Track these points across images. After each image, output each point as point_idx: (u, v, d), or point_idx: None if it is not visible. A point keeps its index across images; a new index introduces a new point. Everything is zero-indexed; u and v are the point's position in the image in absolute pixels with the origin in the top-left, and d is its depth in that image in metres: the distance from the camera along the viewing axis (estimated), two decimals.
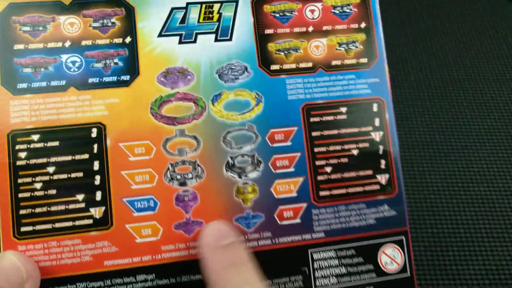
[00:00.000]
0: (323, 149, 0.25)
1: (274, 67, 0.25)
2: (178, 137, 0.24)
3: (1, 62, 0.23)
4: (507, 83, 0.55)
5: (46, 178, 0.23)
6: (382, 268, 0.24)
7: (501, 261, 0.43)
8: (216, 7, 0.25)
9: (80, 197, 0.23)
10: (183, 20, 0.25)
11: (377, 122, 0.25)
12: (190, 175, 0.24)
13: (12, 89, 0.23)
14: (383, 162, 0.25)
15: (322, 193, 0.25)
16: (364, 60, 0.26)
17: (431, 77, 0.55)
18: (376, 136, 0.25)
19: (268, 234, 0.24)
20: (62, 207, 0.23)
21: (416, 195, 0.46)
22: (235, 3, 0.25)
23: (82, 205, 0.23)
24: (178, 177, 0.24)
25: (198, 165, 0.24)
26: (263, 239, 0.24)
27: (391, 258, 0.25)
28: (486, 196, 0.46)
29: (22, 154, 0.23)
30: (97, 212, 0.23)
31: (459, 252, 0.43)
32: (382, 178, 0.25)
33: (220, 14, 0.25)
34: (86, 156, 0.23)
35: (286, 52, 0.25)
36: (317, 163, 0.25)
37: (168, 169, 0.24)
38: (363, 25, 0.26)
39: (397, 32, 0.58)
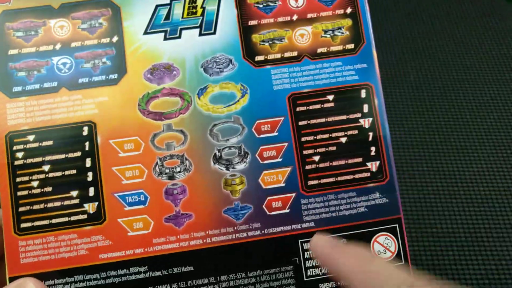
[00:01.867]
0: (310, 138, 0.25)
1: (258, 58, 0.25)
2: (165, 132, 0.24)
3: None
4: (506, 83, 0.54)
5: (42, 176, 0.24)
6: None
7: (500, 261, 0.42)
8: (199, 1, 0.26)
9: (74, 193, 0.24)
10: (167, 17, 0.25)
11: (365, 108, 0.25)
12: (178, 169, 0.24)
13: (8, 93, 0.24)
14: (373, 149, 0.25)
15: (310, 182, 0.24)
16: (350, 46, 0.25)
17: (430, 77, 0.55)
18: (365, 122, 0.25)
19: (257, 225, 0.24)
20: (58, 204, 0.24)
21: (415, 195, 0.45)
22: None
23: (77, 201, 0.24)
24: (167, 171, 0.24)
25: (186, 158, 0.24)
26: (252, 230, 0.24)
27: (384, 246, 0.24)
28: (485, 196, 0.46)
29: (19, 154, 0.24)
30: (90, 207, 0.24)
31: (459, 252, 0.42)
32: (373, 165, 0.25)
33: (203, 8, 0.25)
34: (78, 154, 0.24)
35: (270, 42, 0.25)
36: (305, 152, 0.24)
37: (157, 163, 0.24)
38: (348, 10, 0.26)
39: (396, 33, 0.58)
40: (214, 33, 0.25)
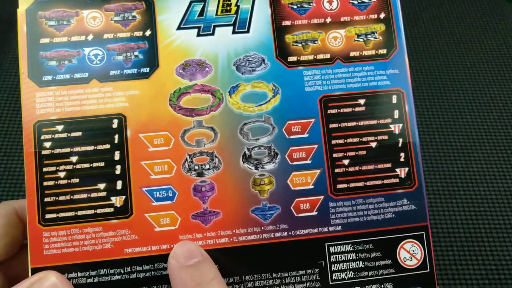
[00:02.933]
0: (340, 141, 0.25)
1: (291, 58, 0.25)
2: (196, 128, 0.24)
3: (28, 55, 0.24)
4: (506, 84, 0.54)
5: (70, 167, 0.24)
6: (401, 263, 0.24)
7: (500, 261, 0.42)
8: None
9: (101, 186, 0.24)
10: (201, 13, 0.25)
11: (396, 114, 0.25)
12: (207, 166, 0.24)
13: (38, 81, 0.24)
14: (402, 155, 0.25)
15: (339, 186, 0.24)
16: (383, 51, 0.25)
17: (430, 78, 0.55)
18: (396, 128, 0.25)
19: (285, 226, 0.24)
20: (84, 196, 0.24)
21: None
22: None
23: (104, 194, 0.24)
24: (196, 167, 0.24)
25: (216, 156, 0.24)
26: (279, 231, 0.24)
27: (410, 253, 0.24)
28: (485, 196, 0.46)
29: (47, 144, 0.24)
30: (117, 201, 0.24)
31: (459, 252, 0.42)
32: (402, 171, 0.25)
33: (238, 6, 0.25)
34: (107, 146, 0.24)
35: (303, 43, 0.25)
36: (335, 155, 0.24)
37: (186, 159, 0.24)
38: (382, 15, 0.26)
39: None
40: (248, 31, 0.25)
